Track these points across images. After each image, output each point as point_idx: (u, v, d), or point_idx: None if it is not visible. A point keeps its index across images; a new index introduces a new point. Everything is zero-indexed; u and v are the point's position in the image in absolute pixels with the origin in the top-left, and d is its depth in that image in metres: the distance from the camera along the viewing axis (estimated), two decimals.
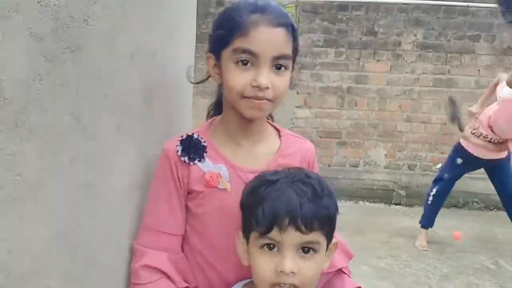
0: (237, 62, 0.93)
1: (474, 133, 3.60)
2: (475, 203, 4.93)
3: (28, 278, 0.67)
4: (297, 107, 4.97)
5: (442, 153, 4.95)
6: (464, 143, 3.73)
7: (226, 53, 0.95)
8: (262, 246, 0.85)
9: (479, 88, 4.84)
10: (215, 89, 1.12)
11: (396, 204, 5.00)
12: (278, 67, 0.94)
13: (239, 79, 0.93)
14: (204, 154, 1.00)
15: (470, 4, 4.79)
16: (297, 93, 4.94)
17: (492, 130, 3.47)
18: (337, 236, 0.97)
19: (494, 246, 3.96)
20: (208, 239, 1.02)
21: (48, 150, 0.69)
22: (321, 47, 4.89)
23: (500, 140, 3.53)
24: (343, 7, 4.83)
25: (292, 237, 0.82)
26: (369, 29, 4.85)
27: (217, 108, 1.12)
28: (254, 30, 0.91)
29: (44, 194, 0.69)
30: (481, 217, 4.60)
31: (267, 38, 0.92)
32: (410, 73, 4.90)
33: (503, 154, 3.68)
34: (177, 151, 0.99)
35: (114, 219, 0.92)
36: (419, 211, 4.22)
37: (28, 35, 0.64)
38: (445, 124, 4.92)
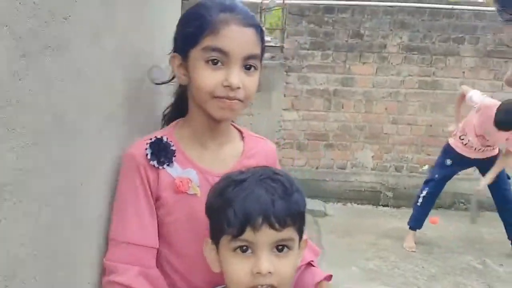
0: (207, 61, 0.91)
1: (462, 139, 3.68)
2: (461, 204, 4.97)
3: (6, 282, 0.65)
4: (284, 109, 4.97)
5: (429, 154, 4.98)
6: (452, 143, 3.77)
7: (195, 52, 0.92)
8: (235, 249, 0.82)
9: None
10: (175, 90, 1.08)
11: (383, 206, 5.02)
12: (248, 67, 0.93)
13: (209, 78, 0.91)
14: (173, 158, 0.96)
15: (455, 6, 4.86)
16: (284, 95, 4.95)
17: (483, 138, 3.55)
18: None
19: (480, 246, 4.00)
20: (177, 248, 0.98)
21: (28, 151, 0.68)
22: (308, 49, 4.90)
23: (486, 148, 3.63)
24: (329, 10, 4.85)
25: (266, 235, 0.80)
26: (355, 31, 4.87)
27: (176, 110, 1.08)
28: (225, 29, 0.90)
29: (23, 196, 0.67)
30: (467, 217, 4.64)
31: (238, 37, 0.91)
32: (396, 75, 4.93)
33: (493, 152, 3.72)
34: (146, 154, 0.94)
35: (95, 223, 0.90)
36: (406, 212, 4.25)
37: (6, 33, 0.62)
38: (431, 126, 4.97)
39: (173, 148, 0.96)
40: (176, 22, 1.00)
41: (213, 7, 0.93)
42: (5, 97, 0.63)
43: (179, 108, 1.06)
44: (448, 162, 3.81)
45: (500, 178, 3.70)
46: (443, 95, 4.91)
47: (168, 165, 0.95)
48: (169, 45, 1.02)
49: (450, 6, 4.86)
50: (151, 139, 0.95)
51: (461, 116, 3.77)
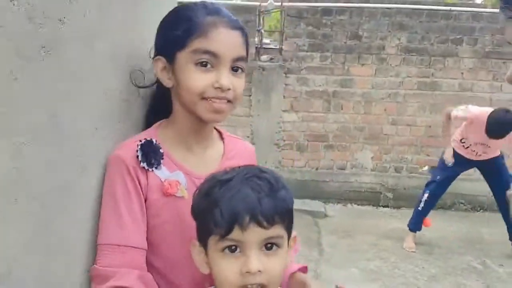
0: (196, 64, 0.91)
1: (463, 143, 3.68)
2: (461, 204, 4.97)
3: (1, 279, 0.66)
4: (284, 111, 4.99)
5: (428, 155, 4.99)
6: (454, 146, 3.77)
7: (183, 55, 0.92)
8: (223, 249, 0.81)
9: (463, 91, 4.91)
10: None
11: (383, 207, 5.03)
12: (235, 69, 0.94)
13: (199, 81, 0.91)
14: (161, 160, 0.96)
15: (453, 8, 4.88)
16: (284, 97, 4.96)
17: (485, 145, 3.60)
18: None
19: (481, 246, 4.00)
20: (162, 251, 0.96)
21: (23, 150, 0.68)
22: (307, 51, 4.92)
23: (487, 151, 3.65)
24: (327, 12, 4.87)
25: (254, 234, 0.79)
26: (353, 33, 4.89)
27: (158, 113, 1.06)
28: (213, 32, 0.91)
29: (18, 195, 0.68)
30: (468, 218, 4.64)
31: (226, 39, 0.92)
32: (395, 76, 4.95)
33: (495, 153, 3.73)
34: (137, 156, 0.93)
35: (90, 222, 0.91)
36: (406, 213, 4.25)
37: (2, 34, 0.63)
38: (430, 126, 4.98)
39: (162, 150, 0.96)
40: None
41: (199, 10, 0.93)
42: (0, 97, 0.64)
43: (161, 110, 1.05)
44: (450, 163, 3.81)
45: (503, 178, 3.71)
46: (442, 96, 4.92)
47: (156, 167, 0.95)
48: None
49: (448, 8, 4.88)
50: (140, 140, 0.95)
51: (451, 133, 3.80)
